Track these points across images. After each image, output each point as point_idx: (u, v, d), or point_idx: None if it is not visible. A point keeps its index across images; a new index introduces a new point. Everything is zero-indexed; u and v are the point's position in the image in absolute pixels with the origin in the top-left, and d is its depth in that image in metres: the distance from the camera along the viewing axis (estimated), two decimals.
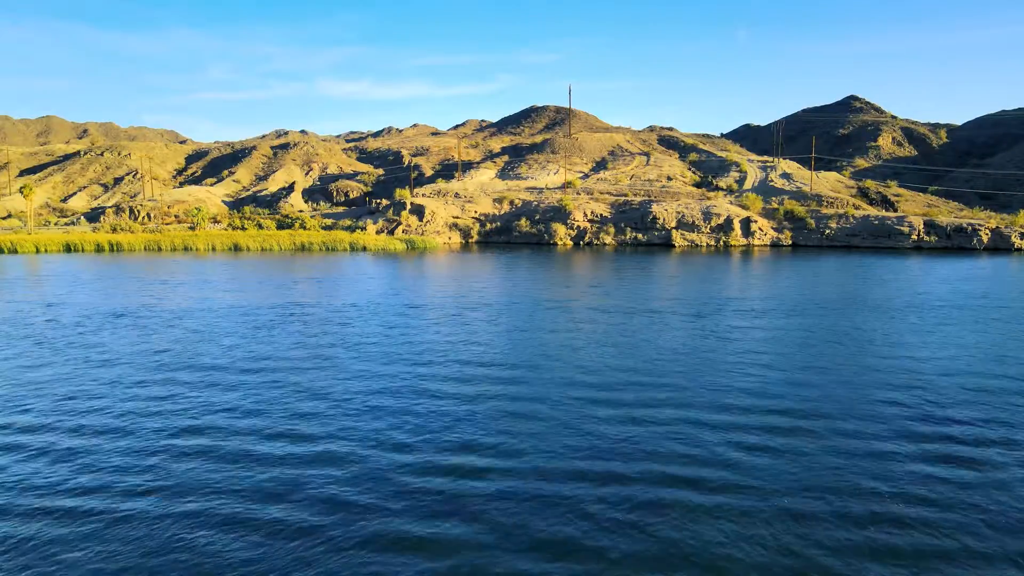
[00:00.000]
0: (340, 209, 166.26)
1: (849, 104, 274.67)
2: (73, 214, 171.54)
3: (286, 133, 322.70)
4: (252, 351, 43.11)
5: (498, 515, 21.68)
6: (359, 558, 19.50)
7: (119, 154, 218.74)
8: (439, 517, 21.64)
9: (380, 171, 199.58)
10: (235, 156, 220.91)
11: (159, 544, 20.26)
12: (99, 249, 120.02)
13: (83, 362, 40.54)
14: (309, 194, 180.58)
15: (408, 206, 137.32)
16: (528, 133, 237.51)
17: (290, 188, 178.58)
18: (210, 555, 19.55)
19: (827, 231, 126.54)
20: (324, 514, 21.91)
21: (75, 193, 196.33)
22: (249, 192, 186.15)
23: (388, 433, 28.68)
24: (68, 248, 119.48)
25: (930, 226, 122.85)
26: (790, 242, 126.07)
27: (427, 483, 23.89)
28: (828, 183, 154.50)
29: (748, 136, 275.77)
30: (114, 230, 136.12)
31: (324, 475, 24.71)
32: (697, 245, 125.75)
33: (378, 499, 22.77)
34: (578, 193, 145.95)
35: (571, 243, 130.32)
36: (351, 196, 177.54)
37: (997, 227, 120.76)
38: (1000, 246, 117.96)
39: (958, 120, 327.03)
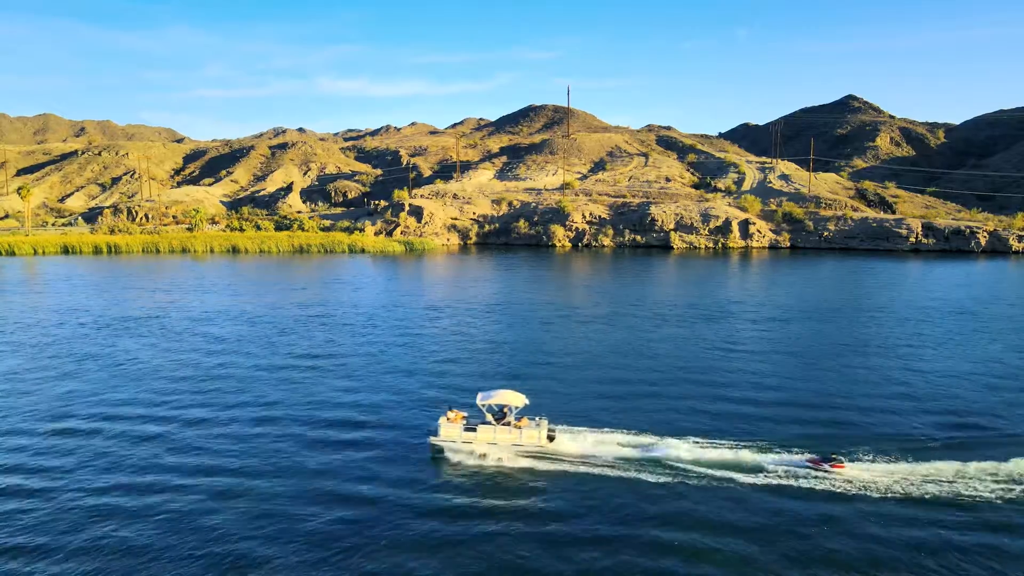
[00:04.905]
0: (338, 210, 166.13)
1: (847, 104, 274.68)
2: (71, 214, 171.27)
3: (284, 131, 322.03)
4: (275, 360, 43.79)
5: (543, 515, 22.21)
6: (396, 556, 19.94)
7: (117, 153, 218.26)
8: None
9: (379, 171, 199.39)
10: (233, 156, 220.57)
11: (193, 541, 21.46)
12: (97, 251, 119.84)
13: (113, 374, 40.92)
14: (307, 194, 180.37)
15: (407, 207, 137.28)
16: (526, 132, 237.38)
17: (288, 188, 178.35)
18: (246, 552, 19.88)
19: (825, 233, 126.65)
20: (358, 512, 23.20)
21: (73, 193, 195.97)
22: (247, 192, 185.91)
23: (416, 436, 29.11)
24: (66, 250, 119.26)
25: (928, 228, 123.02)
26: (788, 244, 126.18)
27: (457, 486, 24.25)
28: (826, 184, 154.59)
29: (746, 136, 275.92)
30: (112, 231, 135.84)
31: (357, 477, 25.49)
32: (695, 247, 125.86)
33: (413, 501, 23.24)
34: (576, 194, 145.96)
35: (569, 245, 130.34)
36: (349, 196, 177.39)
37: (995, 229, 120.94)
38: (998, 248, 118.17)
39: (956, 120, 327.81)
